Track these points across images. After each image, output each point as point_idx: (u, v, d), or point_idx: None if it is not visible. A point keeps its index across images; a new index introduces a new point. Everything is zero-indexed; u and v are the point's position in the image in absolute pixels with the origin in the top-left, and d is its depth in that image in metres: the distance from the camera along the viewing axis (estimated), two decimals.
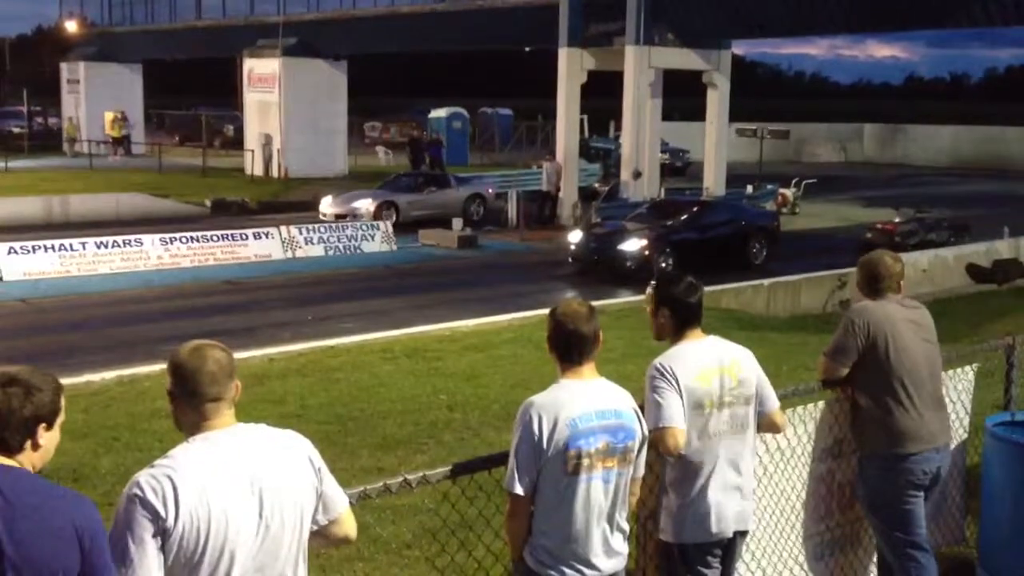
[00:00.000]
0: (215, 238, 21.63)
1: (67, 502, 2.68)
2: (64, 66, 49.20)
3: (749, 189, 30.76)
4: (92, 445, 8.57)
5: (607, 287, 18.51)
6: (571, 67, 29.19)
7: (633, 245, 20.05)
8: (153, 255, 20.61)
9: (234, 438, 2.96)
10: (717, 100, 30.42)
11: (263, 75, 38.96)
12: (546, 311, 4.03)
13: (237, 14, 42.14)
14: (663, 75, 29.48)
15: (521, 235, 25.33)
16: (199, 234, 21.67)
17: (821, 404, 5.11)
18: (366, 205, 26.12)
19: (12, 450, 2.68)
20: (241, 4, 42.06)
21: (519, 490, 3.66)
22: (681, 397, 4.09)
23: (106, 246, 20.25)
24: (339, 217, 25.53)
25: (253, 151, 38.41)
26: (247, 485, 2.90)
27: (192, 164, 39.87)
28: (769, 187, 31.40)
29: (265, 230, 22.54)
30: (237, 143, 43.21)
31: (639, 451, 3.86)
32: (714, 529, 4.21)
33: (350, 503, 3.25)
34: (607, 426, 3.71)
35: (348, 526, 3.21)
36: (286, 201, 31.21)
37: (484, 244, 24.27)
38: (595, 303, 4.23)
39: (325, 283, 19.66)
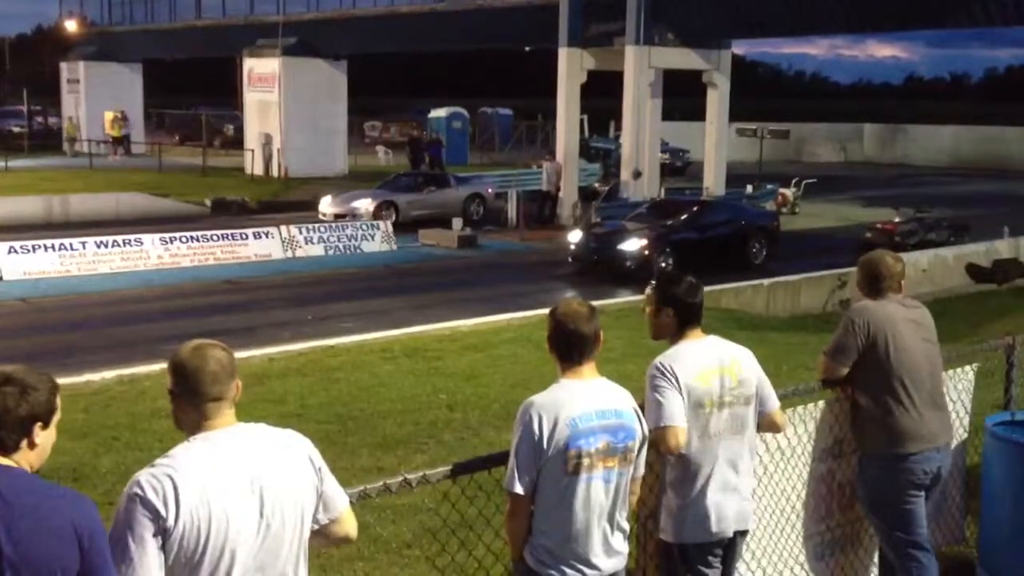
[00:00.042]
0: (215, 238, 21.63)
1: (66, 501, 2.68)
2: (64, 65, 49.20)
3: (749, 189, 30.75)
4: (92, 445, 8.57)
5: (607, 287, 18.51)
6: (571, 67, 29.19)
7: (633, 245, 20.05)
8: (153, 255, 20.61)
9: (234, 438, 2.97)
10: (717, 100, 30.42)
11: (263, 75, 38.97)
12: (546, 311, 4.03)
13: (237, 14, 42.14)
14: (663, 75, 29.49)
15: (521, 235, 25.33)
16: (199, 234, 21.68)
17: (821, 404, 5.12)
18: (365, 205, 26.12)
19: (9, 450, 2.68)
20: (241, 4, 42.12)
21: (519, 490, 3.66)
22: (682, 396, 4.09)
23: (106, 245, 20.25)
24: (338, 217, 25.52)
25: (253, 151, 38.41)
26: (247, 484, 2.90)
27: (192, 164, 39.87)
28: (769, 187, 31.40)
29: (265, 230, 22.54)
30: (237, 143, 43.21)
31: (639, 451, 3.86)
32: (714, 529, 4.21)
33: (350, 502, 3.25)
34: (607, 426, 3.71)
35: (349, 525, 3.21)
36: (286, 201, 31.21)
37: (484, 244, 24.27)
38: (595, 303, 4.23)
39: (325, 283, 19.66)
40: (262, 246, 22.02)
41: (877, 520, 5.10)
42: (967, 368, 5.96)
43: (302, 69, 38.30)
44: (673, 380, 4.10)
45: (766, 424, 4.42)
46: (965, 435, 5.92)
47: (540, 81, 38.27)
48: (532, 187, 30.01)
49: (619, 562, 3.84)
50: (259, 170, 37.86)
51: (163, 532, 2.78)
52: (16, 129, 48.75)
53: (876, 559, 5.37)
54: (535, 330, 12.32)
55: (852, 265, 6.83)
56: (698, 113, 33.14)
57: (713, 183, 30.16)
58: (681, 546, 4.23)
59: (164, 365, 3.08)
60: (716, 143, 30.60)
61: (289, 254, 22.14)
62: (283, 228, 22.67)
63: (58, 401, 2.78)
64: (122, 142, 44.98)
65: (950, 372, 5.67)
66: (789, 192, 31.27)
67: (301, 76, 38.17)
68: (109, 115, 45.02)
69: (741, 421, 4.25)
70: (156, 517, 2.77)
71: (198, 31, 43.72)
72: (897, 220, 23.81)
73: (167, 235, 21.22)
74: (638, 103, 28.56)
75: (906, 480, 4.94)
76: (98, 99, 46.23)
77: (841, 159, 56.64)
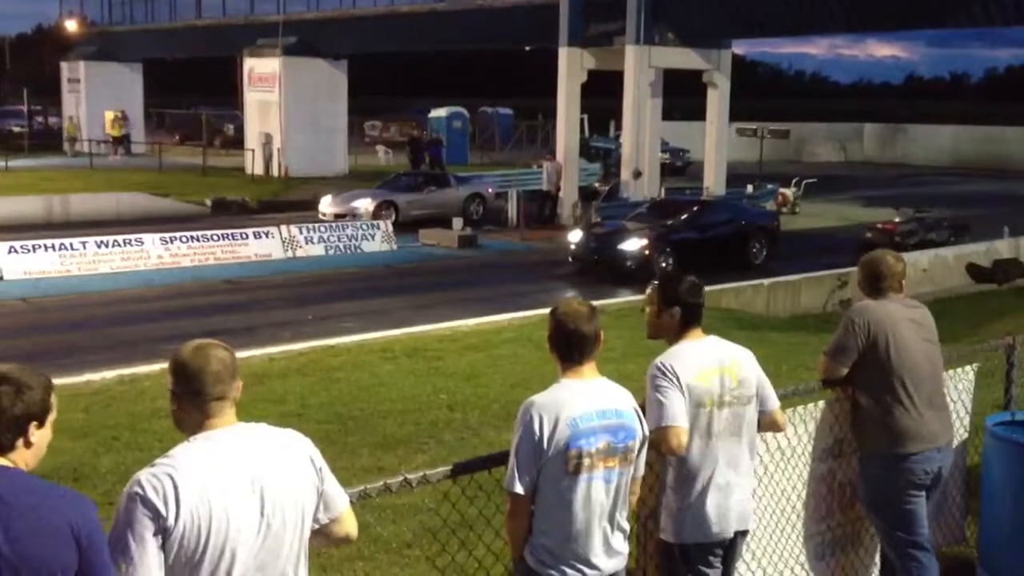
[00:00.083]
0: (215, 237, 21.63)
1: (64, 501, 2.68)
2: (64, 65, 49.20)
3: (749, 189, 30.76)
4: (92, 444, 8.57)
5: (607, 287, 18.52)
6: (571, 66, 29.19)
7: (633, 245, 20.05)
8: (153, 254, 20.62)
9: (235, 437, 2.97)
10: (717, 99, 30.42)
11: (263, 74, 38.97)
12: (546, 311, 4.03)
13: (237, 13, 42.15)
14: (663, 74, 29.49)
15: (521, 235, 25.32)
16: (199, 233, 21.68)
17: (821, 404, 5.11)
18: (365, 205, 26.12)
19: (4, 449, 2.68)
20: (241, 3, 42.12)
21: (519, 490, 3.66)
22: (683, 396, 4.09)
23: (106, 245, 20.26)
24: (338, 217, 25.52)
25: (253, 150, 38.42)
26: (248, 484, 2.90)
27: (192, 163, 39.88)
28: (769, 187, 31.40)
29: (265, 229, 22.54)
30: (237, 142, 43.22)
31: (640, 451, 3.86)
32: (715, 529, 4.21)
33: (351, 502, 3.25)
34: (608, 426, 3.71)
35: (349, 525, 3.21)
36: (286, 200, 31.21)
37: (484, 244, 24.27)
38: (595, 303, 4.23)
39: (325, 282, 19.67)
40: (262, 246, 22.02)
41: (878, 520, 5.10)
42: (967, 368, 5.96)
43: (302, 69, 38.31)
44: (674, 380, 4.10)
45: (767, 424, 4.42)
46: (965, 435, 5.92)
47: (540, 81, 38.27)
48: (532, 187, 30.01)
49: (619, 562, 3.84)
50: (259, 170, 37.86)
51: (163, 531, 2.78)
52: (16, 129, 48.75)
53: (876, 559, 5.38)
54: (535, 330, 12.33)
55: (852, 265, 6.84)
56: (698, 113, 33.14)
57: (713, 183, 30.16)
58: (682, 546, 4.23)
59: (164, 365, 3.08)
60: (716, 143, 30.60)
61: (289, 254, 22.15)
62: (283, 228, 22.68)
63: (53, 400, 2.78)
64: (122, 142, 44.99)
65: (950, 372, 5.67)
66: (789, 192, 31.28)
67: (301, 76, 38.17)
68: (109, 115, 45.04)
69: (741, 421, 4.25)
70: (156, 516, 2.77)
71: (198, 31, 43.73)
72: (897, 220, 23.81)
73: (167, 235, 21.22)
74: (638, 103, 28.56)
75: (907, 480, 4.94)
76: (98, 99, 46.25)
77: (841, 159, 56.65)
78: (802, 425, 4.98)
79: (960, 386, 5.84)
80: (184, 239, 21.18)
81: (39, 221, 25.73)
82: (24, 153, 42.54)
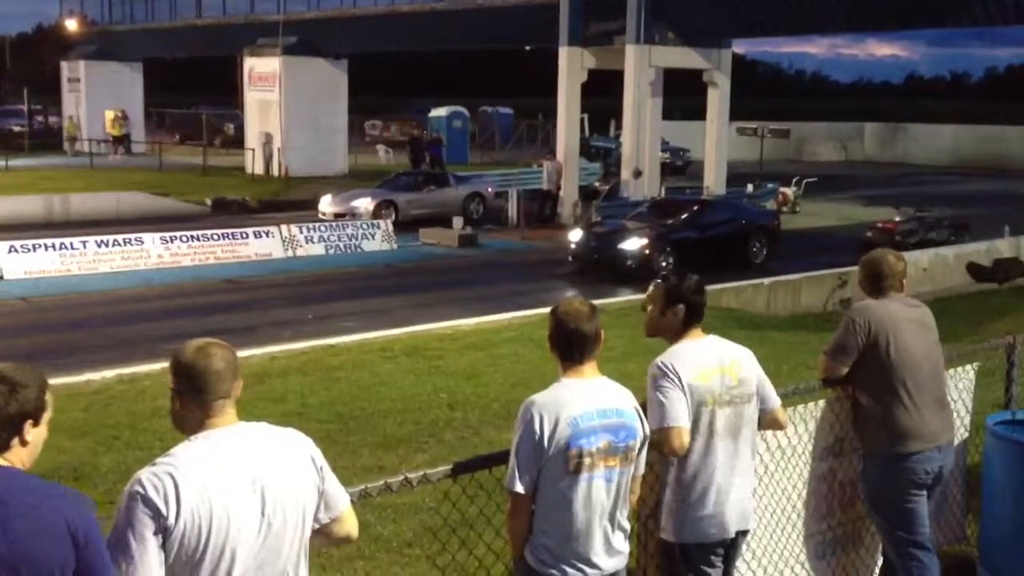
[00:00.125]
0: (216, 237, 21.63)
1: (61, 500, 2.67)
2: (64, 65, 49.20)
3: (750, 188, 30.76)
4: (92, 444, 8.57)
5: (607, 286, 18.51)
6: (571, 66, 29.19)
7: (633, 244, 20.05)
8: (154, 254, 20.62)
9: (236, 436, 2.96)
10: (717, 99, 30.42)
11: (263, 74, 38.97)
12: (547, 310, 4.03)
13: (237, 12, 42.15)
14: (663, 74, 29.49)
15: (521, 234, 25.32)
16: (200, 233, 21.67)
17: (822, 403, 5.11)
18: (365, 204, 26.12)
19: (0, 448, 2.68)
20: (241, 3, 42.14)
21: (520, 489, 3.66)
22: (685, 396, 4.09)
23: (107, 245, 20.26)
24: (338, 216, 25.52)
25: (253, 150, 38.43)
26: (249, 483, 2.90)
27: (192, 163, 39.88)
28: (770, 186, 31.40)
29: (266, 229, 22.54)
30: (237, 142, 43.23)
31: (640, 450, 3.86)
32: (716, 529, 4.21)
33: (351, 501, 3.25)
34: (608, 425, 3.71)
35: (350, 525, 3.21)
36: (286, 200, 31.21)
37: (484, 243, 24.26)
38: (596, 302, 4.23)
39: (326, 282, 19.67)
40: (262, 245, 22.02)
41: (879, 519, 5.10)
42: (968, 367, 5.96)
43: (303, 68, 38.31)
44: (676, 380, 4.09)
45: (768, 422, 4.43)
46: (966, 434, 5.92)
47: (540, 80, 38.29)
48: (533, 186, 30.02)
49: (620, 561, 3.84)
50: (259, 169, 37.87)
51: (164, 530, 2.78)
52: (17, 128, 48.78)
53: (877, 558, 5.37)
54: (536, 329, 12.33)
55: (852, 264, 6.84)
56: (698, 112, 33.14)
57: (714, 182, 30.16)
58: (683, 546, 4.23)
59: (165, 364, 3.07)
60: (716, 142, 30.60)
61: (289, 253, 22.15)
62: (283, 227, 22.68)
63: (49, 398, 2.77)
64: (122, 141, 45.00)
65: (951, 371, 5.67)
66: (790, 191, 31.28)
67: (302, 75, 38.17)
68: (110, 114, 45.05)
69: (741, 420, 4.25)
70: (157, 515, 2.77)
71: (199, 30, 43.73)
72: (898, 219, 23.81)
73: (167, 234, 21.22)
74: (638, 102, 28.56)
75: (907, 480, 4.94)
76: (99, 98, 46.25)
77: (841, 158, 56.65)
78: (802, 424, 4.98)
79: (960, 385, 5.84)
80: (184, 238, 21.18)
81: (39, 220, 25.73)
82: (24, 152, 42.55)
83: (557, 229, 25.83)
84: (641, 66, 28.32)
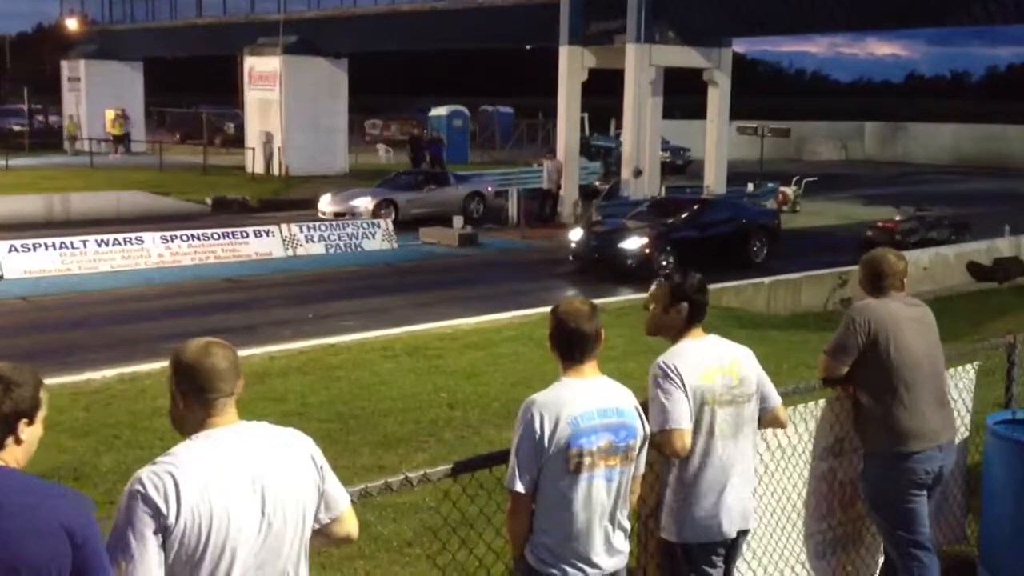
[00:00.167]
0: (216, 236, 21.63)
1: (56, 499, 2.66)
2: (65, 64, 49.20)
3: (750, 187, 30.76)
4: (93, 443, 8.57)
5: (608, 285, 18.51)
6: (572, 65, 29.19)
7: (634, 243, 20.05)
8: (154, 253, 20.62)
9: (236, 436, 2.96)
10: (718, 98, 30.42)
11: (264, 73, 38.97)
12: (547, 309, 4.03)
13: (238, 12, 42.17)
14: (664, 73, 29.48)
15: (522, 233, 25.31)
16: (200, 232, 21.67)
17: (822, 402, 5.11)
18: (365, 203, 26.11)
19: None
20: (242, 2, 42.19)
21: (520, 488, 3.66)
22: (687, 397, 4.08)
23: (107, 244, 20.26)
24: (338, 215, 25.52)
25: (254, 149, 38.43)
26: (249, 483, 2.90)
27: (193, 162, 39.88)
28: (770, 185, 31.41)
29: (266, 228, 22.54)
30: (238, 141, 43.23)
31: (640, 449, 3.86)
32: (718, 529, 4.21)
33: (351, 501, 3.24)
34: (609, 424, 3.71)
35: (350, 525, 3.21)
36: (287, 199, 31.22)
37: (485, 242, 24.26)
38: (596, 301, 4.23)
39: (326, 281, 19.67)
40: (263, 244, 22.02)
41: (879, 519, 5.10)
42: (968, 366, 5.96)
43: (303, 67, 38.31)
44: (678, 381, 4.09)
45: (769, 420, 4.43)
46: (966, 434, 5.91)
47: (541, 79, 38.29)
48: (533, 185, 30.03)
49: (620, 561, 3.84)
50: (260, 168, 37.87)
51: (164, 530, 2.78)
52: (17, 127, 48.80)
53: (877, 558, 5.37)
54: (536, 328, 12.33)
55: (853, 263, 6.84)
56: (699, 111, 33.13)
57: (714, 181, 30.16)
58: (685, 546, 4.22)
59: (165, 363, 3.07)
60: (717, 141, 30.60)
61: (290, 252, 22.15)
62: (284, 226, 22.68)
63: (43, 396, 2.76)
64: (123, 140, 45.02)
65: (951, 370, 5.66)
66: (790, 190, 31.28)
67: (302, 74, 38.18)
68: (110, 113, 45.06)
69: (742, 420, 4.25)
70: (157, 514, 2.77)
71: (199, 29, 43.73)
72: (898, 218, 23.80)
73: (168, 233, 21.22)
74: (639, 101, 28.56)
75: (908, 480, 4.93)
76: (99, 97, 46.27)
77: (842, 157, 56.63)
78: (803, 423, 4.98)
79: (961, 384, 5.83)
80: (184, 238, 21.19)
81: (39, 220, 25.73)
82: (24, 152, 42.56)
83: (557, 228, 25.83)
84: (641, 65, 28.32)
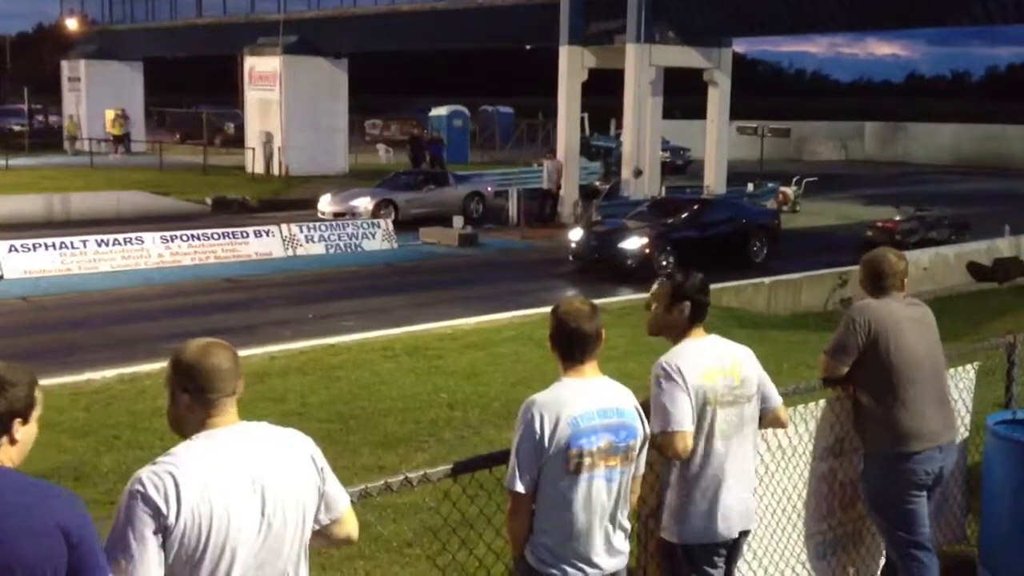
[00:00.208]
0: (216, 236, 21.63)
1: (55, 500, 2.66)
2: (65, 64, 49.20)
3: (750, 187, 30.76)
4: (93, 443, 8.57)
5: (608, 285, 18.52)
6: (572, 65, 29.19)
7: (634, 243, 20.05)
8: (154, 253, 20.62)
9: (236, 436, 2.96)
10: (718, 98, 30.42)
11: (264, 73, 38.97)
12: (547, 309, 4.03)
13: (238, 12, 42.17)
14: (664, 73, 29.48)
15: (522, 233, 25.32)
16: (200, 232, 21.68)
17: (822, 402, 5.11)
18: (364, 203, 26.11)
19: None
20: (242, 2, 42.19)
21: (520, 488, 3.65)
22: (690, 398, 4.08)
23: (107, 244, 20.26)
24: (337, 215, 25.52)
25: (254, 149, 38.43)
26: (249, 483, 2.90)
27: (193, 162, 39.88)
28: (770, 185, 31.40)
29: (266, 228, 22.54)
30: (238, 141, 43.23)
31: (641, 450, 3.85)
32: (719, 529, 4.20)
33: (351, 501, 3.24)
34: (609, 425, 3.71)
35: (350, 526, 3.21)
36: (287, 199, 31.22)
37: (485, 242, 24.26)
38: (596, 301, 4.22)
39: (326, 281, 19.67)
40: (263, 244, 22.03)
41: (879, 519, 5.09)
42: (968, 367, 5.96)
43: (303, 67, 38.32)
44: (681, 381, 4.08)
45: (770, 420, 4.43)
46: (966, 434, 5.91)
47: (541, 79, 38.28)
48: (533, 185, 30.02)
49: (621, 561, 3.83)
50: (260, 168, 37.88)
51: (164, 530, 2.78)
52: (17, 127, 48.80)
53: (877, 558, 5.37)
54: (536, 328, 12.33)
55: (853, 263, 6.83)
56: (699, 111, 33.13)
57: (714, 181, 30.16)
58: (686, 547, 4.22)
59: (165, 363, 3.06)
60: (717, 141, 30.60)
61: (290, 252, 22.15)
62: (284, 226, 22.68)
63: (38, 395, 2.76)
64: (123, 140, 45.02)
65: (951, 371, 5.66)
66: (790, 190, 31.28)
67: (302, 74, 38.18)
68: (110, 113, 45.06)
69: (743, 420, 4.24)
70: (157, 514, 2.77)
71: (199, 29, 43.73)
72: (898, 218, 23.81)
73: (168, 233, 21.23)
74: (639, 101, 28.56)
75: (908, 480, 4.93)
76: (99, 97, 46.27)
77: (842, 157, 56.64)
78: (803, 424, 4.98)
79: (961, 385, 5.83)
80: (184, 238, 21.19)
81: (39, 220, 25.73)
82: (24, 152, 42.55)
83: (557, 228, 25.83)
84: (641, 65, 28.32)
